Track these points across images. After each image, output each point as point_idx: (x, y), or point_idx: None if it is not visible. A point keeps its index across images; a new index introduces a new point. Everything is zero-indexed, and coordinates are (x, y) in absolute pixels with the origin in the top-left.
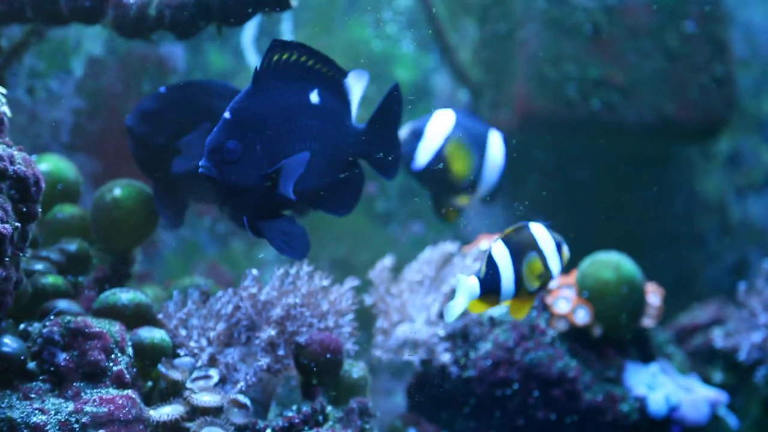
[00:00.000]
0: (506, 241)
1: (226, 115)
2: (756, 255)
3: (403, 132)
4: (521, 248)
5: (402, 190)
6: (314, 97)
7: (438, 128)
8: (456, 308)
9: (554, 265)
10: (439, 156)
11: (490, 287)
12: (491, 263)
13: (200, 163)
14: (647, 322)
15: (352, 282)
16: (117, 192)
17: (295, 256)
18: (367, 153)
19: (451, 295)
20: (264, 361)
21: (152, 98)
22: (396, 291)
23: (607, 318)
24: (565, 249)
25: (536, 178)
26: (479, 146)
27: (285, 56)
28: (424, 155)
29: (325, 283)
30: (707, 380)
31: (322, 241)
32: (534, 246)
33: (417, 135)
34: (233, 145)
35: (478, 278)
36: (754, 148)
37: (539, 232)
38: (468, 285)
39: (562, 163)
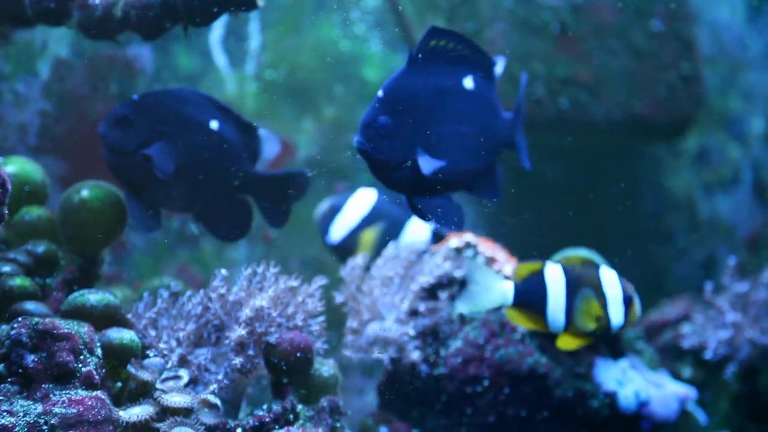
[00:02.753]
0: (567, 270)
1: (380, 93)
2: (724, 251)
3: (323, 206)
4: (580, 282)
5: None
6: (468, 83)
7: (356, 208)
8: (481, 302)
9: (615, 313)
10: (352, 236)
11: (525, 302)
12: (538, 281)
13: (355, 139)
14: None
15: (320, 281)
16: (84, 193)
17: (455, 228)
18: (512, 141)
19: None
20: (235, 361)
21: (124, 105)
22: (367, 289)
23: None
24: (637, 304)
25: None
26: (394, 232)
27: (441, 42)
28: (337, 232)
29: (294, 283)
30: (677, 376)
31: (293, 240)
32: (596, 286)
33: (334, 211)
34: (385, 121)
35: (515, 286)
36: (722, 145)
37: (608, 276)
38: (501, 288)
39: (530, 161)
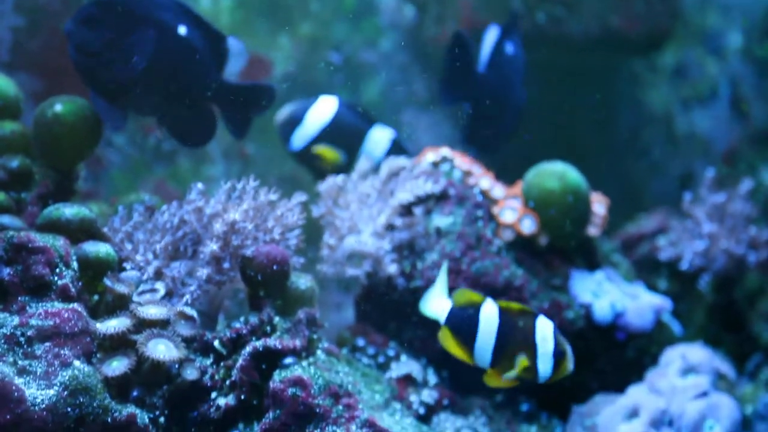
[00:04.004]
0: (503, 311)
1: None
2: (701, 166)
3: (284, 112)
4: (513, 330)
5: None
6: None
7: (317, 116)
8: (424, 306)
9: (543, 367)
10: (312, 145)
11: (456, 331)
12: (471, 317)
13: None
14: (593, 230)
15: (299, 197)
16: (58, 108)
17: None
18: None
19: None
20: (208, 272)
21: (92, 4)
22: (344, 203)
23: (552, 227)
24: (568, 361)
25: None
26: (355, 142)
27: None
28: (298, 140)
29: (272, 197)
30: (652, 288)
31: (271, 157)
32: (529, 336)
33: (295, 122)
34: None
35: (449, 314)
36: (699, 60)
37: (543, 328)
38: (441, 308)
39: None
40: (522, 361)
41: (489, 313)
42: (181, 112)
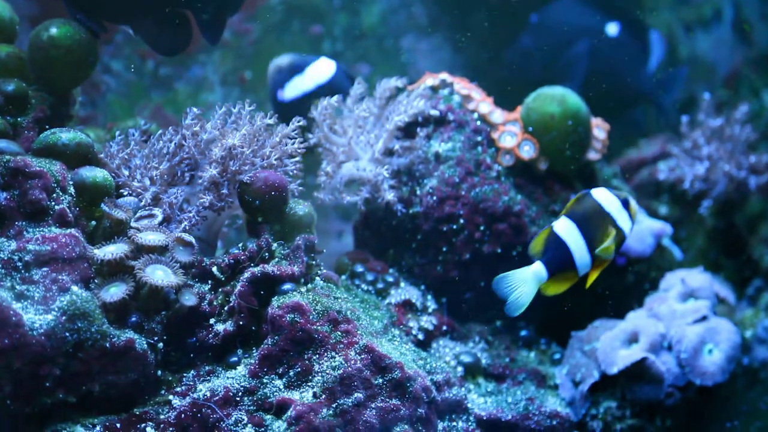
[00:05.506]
0: (570, 215)
1: None
2: (704, 90)
3: (282, 60)
4: (588, 218)
5: (346, 32)
6: None
7: (314, 73)
8: (523, 299)
9: (624, 223)
10: (304, 98)
11: (557, 268)
12: (556, 242)
13: None
14: (592, 155)
15: (297, 122)
16: (53, 30)
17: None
18: None
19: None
20: (207, 198)
21: None
22: (340, 129)
23: (552, 152)
24: (632, 201)
25: (483, 17)
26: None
27: None
28: (292, 89)
29: (270, 122)
30: (653, 213)
31: (266, 84)
32: (599, 210)
33: (294, 70)
34: None
35: (543, 263)
36: None
37: (603, 196)
38: (533, 272)
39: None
40: (609, 233)
41: (564, 228)
42: (154, 18)
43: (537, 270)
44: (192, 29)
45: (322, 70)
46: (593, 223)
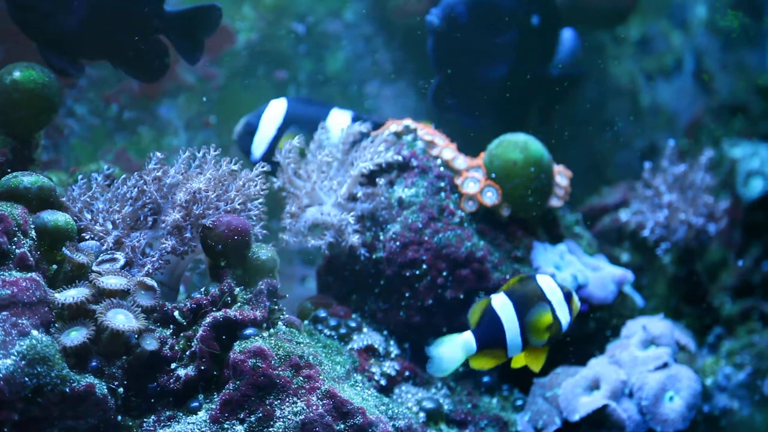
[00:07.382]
0: (510, 293)
1: None
2: (665, 139)
3: (239, 126)
4: (526, 301)
5: (310, 77)
6: None
7: (270, 120)
8: (447, 365)
9: (563, 316)
10: (273, 145)
11: (488, 342)
12: (491, 317)
13: None
14: (555, 202)
15: (261, 167)
16: (16, 74)
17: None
18: None
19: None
20: (169, 243)
21: None
22: (305, 173)
23: (515, 198)
24: (575, 296)
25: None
26: (313, 131)
27: None
28: (259, 147)
29: (234, 167)
30: (615, 261)
31: (230, 127)
32: (541, 297)
33: (251, 130)
34: None
35: (474, 334)
36: (665, 32)
37: (546, 283)
38: (463, 341)
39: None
40: (544, 319)
41: (500, 304)
42: (132, 49)
43: (467, 340)
44: (168, 53)
45: (274, 113)
46: (531, 308)
